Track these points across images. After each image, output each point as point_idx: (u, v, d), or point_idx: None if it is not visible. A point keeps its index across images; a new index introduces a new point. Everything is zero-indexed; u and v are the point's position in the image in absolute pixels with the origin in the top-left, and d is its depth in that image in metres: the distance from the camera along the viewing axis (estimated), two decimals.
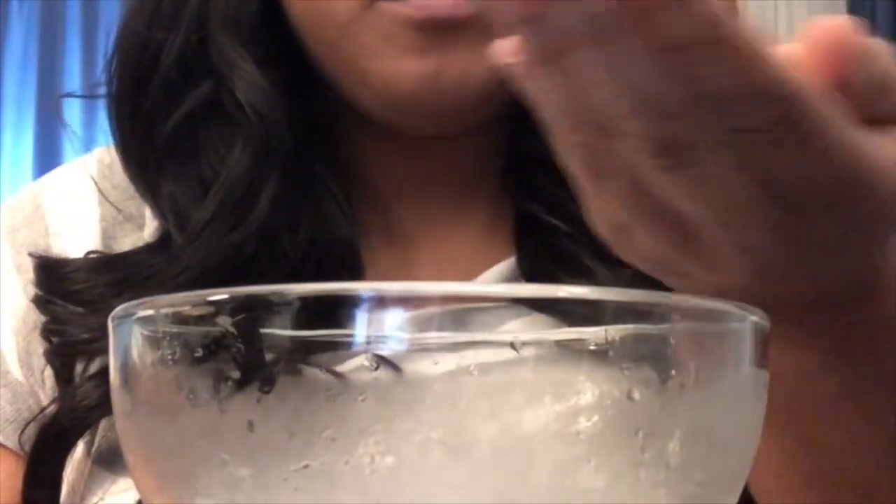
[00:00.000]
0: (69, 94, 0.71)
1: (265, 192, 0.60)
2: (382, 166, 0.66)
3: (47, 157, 3.35)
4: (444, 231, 0.66)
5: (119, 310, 0.31)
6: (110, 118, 0.64)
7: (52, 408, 0.62)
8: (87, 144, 0.73)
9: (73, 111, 3.44)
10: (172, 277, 0.59)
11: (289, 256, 0.60)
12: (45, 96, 3.42)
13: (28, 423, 0.63)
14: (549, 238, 0.62)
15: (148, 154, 0.63)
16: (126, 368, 0.31)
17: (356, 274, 0.62)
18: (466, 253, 0.66)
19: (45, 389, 0.64)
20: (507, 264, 0.64)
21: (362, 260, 0.63)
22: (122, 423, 0.31)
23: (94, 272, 0.63)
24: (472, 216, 0.66)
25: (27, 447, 0.63)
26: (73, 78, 3.43)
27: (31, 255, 0.65)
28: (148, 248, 0.64)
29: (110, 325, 0.31)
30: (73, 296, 0.63)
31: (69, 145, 3.34)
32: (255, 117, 0.60)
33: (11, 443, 0.64)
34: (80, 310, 0.62)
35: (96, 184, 0.68)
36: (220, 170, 0.61)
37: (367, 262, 0.63)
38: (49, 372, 0.64)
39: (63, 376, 0.62)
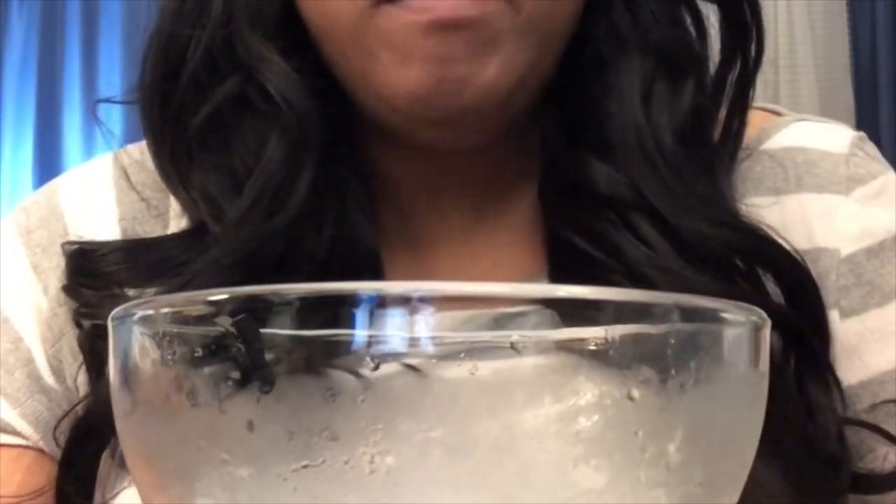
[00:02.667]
0: (107, 100, 0.72)
1: (303, 179, 0.60)
2: (402, 172, 0.65)
3: (47, 157, 3.35)
4: (466, 244, 0.66)
5: (119, 310, 0.31)
6: (142, 114, 0.65)
7: (87, 402, 0.62)
8: (88, 146, 0.73)
9: (72, 113, 3.44)
10: (213, 261, 0.59)
11: (312, 258, 0.60)
12: (45, 96, 3.42)
13: (62, 418, 0.63)
14: (586, 266, 0.61)
15: (179, 146, 0.63)
16: (126, 368, 0.31)
17: (377, 278, 0.62)
18: (490, 265, 0.65)
19: (80, 396, 0.64)
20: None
21: (384, 265, 0.63)
22: (122, 423, 0.31)
23: (128, 254, 0.63)
24: (497, 229, 0.66)
25: (60, 442, 0.63)
26: (73, 78, 3.43)
27: (64, 244, 0.65)
28: (181, 235, 0.64)
29: (110, 325, 0.31)
30: (105, 278, 0.63)
31: (69, 145, 3.35)
32: (286, 107, 0.60)
33: (51, 450, 0.64)
34: (111, 292, 0.62)
35: (126, 174, 0.68)
36: (252, 162, 0.61)
37: (388, 267, 0.63)
38: (82, 379, 0.63)
39: (94, 367, 0.62)
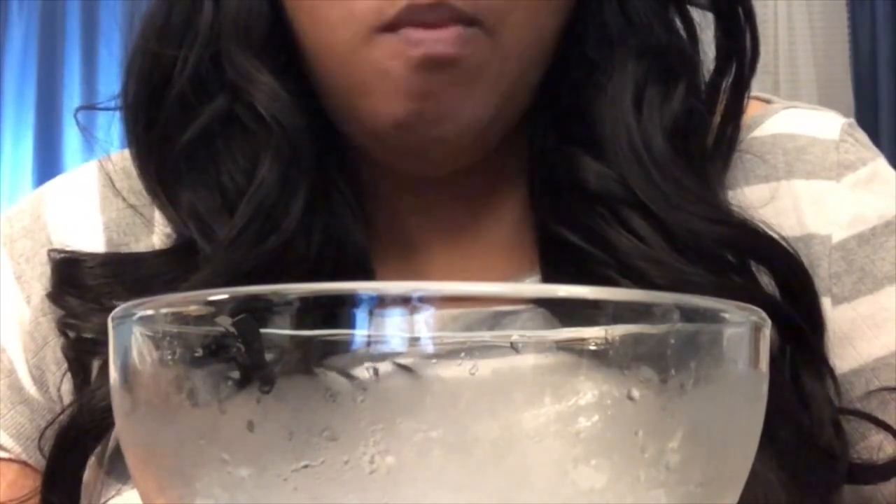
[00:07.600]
0: (89, 106, 0.71)
1: (296, 202, 0.60)
2: (390, 178, 0.65)
3: (47, 157, 3.35)
4: (456, 243, 0.65)
5: (119, 310, 0.31)
6: (126, 130, 0.64)
7: (71, 410, 0.61)
8: (88, 146, 0.72)
9: (72, 113, 3.44)
10: (203, 282, 0.59)
11: (303, 261, 0.60)
12: (45, 97, 3.43)
13: (46, 428, 0.62)
14: (578, 261, 0.61)
15: (165, 164, 0.62)
16: (126, 368, 0.30)
17: (368, 279, 0.61)
18: (481, 266, 0.65)
19: (63, 405, 0.63)
20: (530, 282, 0.64)
21: (374, 266, 0.63)
22: (122, 423, 0.31)
23: (116, 268, 0.63)
24: (488, 227, 0.66)
25: (45, 451, 0.62)
26: (73, 79, 3.43)
27: (51, 251, 0.65)
28: (169, 251, 0.63)
29: (110, 325, 0.31)
30: (89, 291, 0.62)
31: (69, 145, 3.34)
32: (277, 128, 0.60)
33: (34, 461, 0.63)
34: (95, 306, 0.62)
35: (111, 181, 0.68)
36: (243, 181, 0.61)
37: (379, 268, 0.63)
38: (66, 388, 0.63)
39: (79, 375, 0.62)
